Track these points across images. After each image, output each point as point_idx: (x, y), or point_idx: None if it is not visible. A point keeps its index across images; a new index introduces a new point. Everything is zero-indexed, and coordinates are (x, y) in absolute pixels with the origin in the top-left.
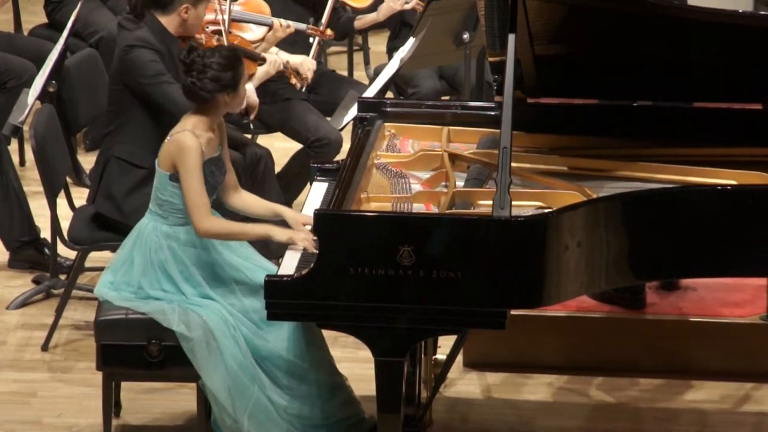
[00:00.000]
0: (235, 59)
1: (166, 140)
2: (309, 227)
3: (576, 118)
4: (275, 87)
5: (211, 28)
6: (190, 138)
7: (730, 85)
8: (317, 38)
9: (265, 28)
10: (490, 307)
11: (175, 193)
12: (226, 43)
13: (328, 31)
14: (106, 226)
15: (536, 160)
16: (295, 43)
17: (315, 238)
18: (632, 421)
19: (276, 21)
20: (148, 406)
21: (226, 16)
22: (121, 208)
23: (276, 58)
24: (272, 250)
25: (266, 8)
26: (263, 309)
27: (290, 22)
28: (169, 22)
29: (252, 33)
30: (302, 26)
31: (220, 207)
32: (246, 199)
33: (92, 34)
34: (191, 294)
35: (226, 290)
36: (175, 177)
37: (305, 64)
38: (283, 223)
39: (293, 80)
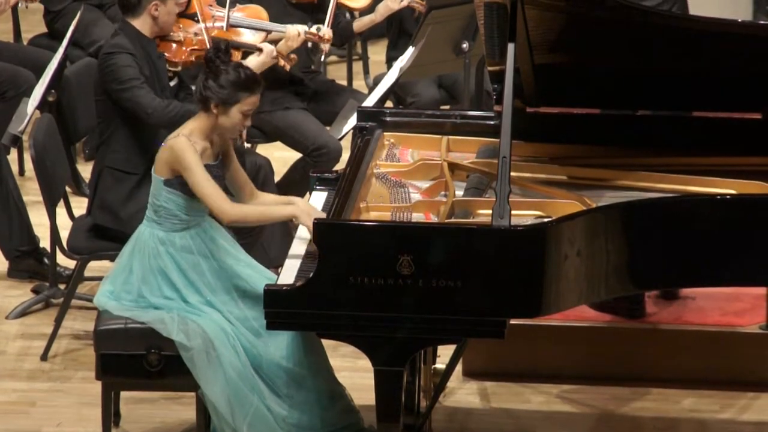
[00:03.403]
0: (248, 83)
1: (161, 147)
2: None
3: (575, 127)
4: (275, 95)
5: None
6: (182, 141)
7: (730, 94)
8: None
9: (263, 34)
10: (490, 316)
11: (170, 199)
12: (207, 42)
13: (327, 35)
14: (105, 235)
15: (536, 170)
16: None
17: None
18: (633, 431)
19: (290, 28)
20: (147, 416)
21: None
22: (118, 216)
23: (270, 46)
24: (271, 258)
25: (265, 15)
26: (262, 317)
27: (287, 26)
28: (141, 24)
29: (248, 39)
30: None
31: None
32: (264, 200)
33: (92, 43)
34: (194, 299)
35: (226, 297)
36: (169, 182)
37: (325, 32)
38: None
39: (281, 62)
